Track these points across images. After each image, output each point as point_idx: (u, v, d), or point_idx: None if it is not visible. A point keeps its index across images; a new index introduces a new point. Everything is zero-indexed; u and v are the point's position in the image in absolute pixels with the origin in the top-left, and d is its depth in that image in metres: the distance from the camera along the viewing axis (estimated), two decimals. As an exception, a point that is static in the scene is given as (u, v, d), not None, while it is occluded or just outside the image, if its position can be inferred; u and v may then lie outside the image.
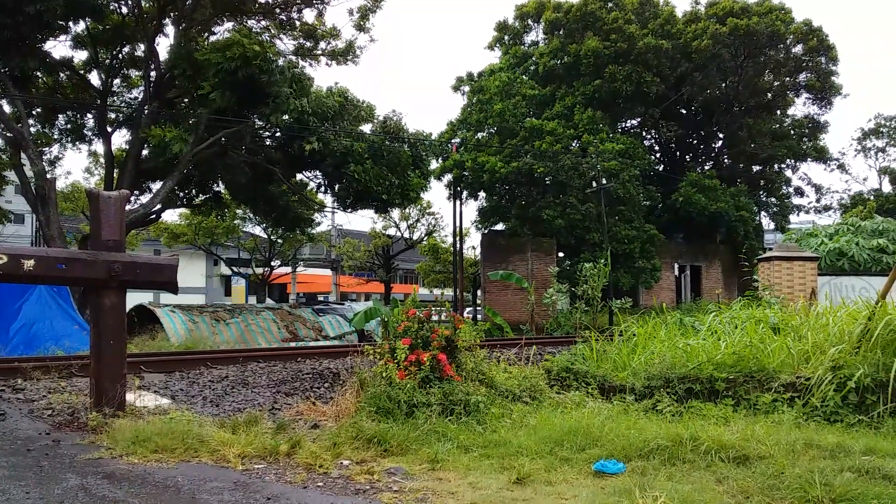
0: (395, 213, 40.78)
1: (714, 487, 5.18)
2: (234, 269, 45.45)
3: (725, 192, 32.01)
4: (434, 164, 29.60)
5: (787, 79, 34.58)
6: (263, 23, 23.02)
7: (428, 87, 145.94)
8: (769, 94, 35.21)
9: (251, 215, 35.96)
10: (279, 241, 41.38)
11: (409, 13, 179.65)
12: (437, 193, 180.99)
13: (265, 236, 41.67)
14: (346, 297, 51.43)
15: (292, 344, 19.02)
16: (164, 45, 26.41)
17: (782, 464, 5.45)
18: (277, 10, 22.55)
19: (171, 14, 21.48)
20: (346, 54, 23.39)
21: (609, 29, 30.31)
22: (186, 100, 22.43)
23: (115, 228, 7.43)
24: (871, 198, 39.95)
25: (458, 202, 31.16)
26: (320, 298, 48.80)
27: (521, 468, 5.53)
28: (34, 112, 22.61)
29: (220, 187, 25.83)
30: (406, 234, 44.13)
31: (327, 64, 23.84)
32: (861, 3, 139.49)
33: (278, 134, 23.13)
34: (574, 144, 30.01)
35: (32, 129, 21.65)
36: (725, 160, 37.18)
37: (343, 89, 23.86)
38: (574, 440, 6.30)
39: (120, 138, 32.31)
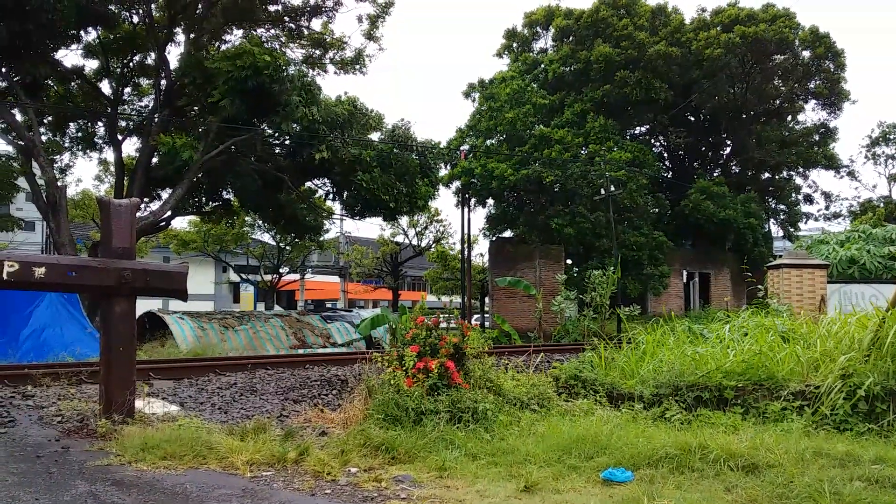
0: (404, 221, 40.86)
1: (723, 496, 5.16)
2: (243, 276, 45.58)
3: (734, 200, 31.90)
4: (443, 171, 29.68)
5: (796, 85, 34.45)
6: (272, 31, 23.18)
7: (435, 93, 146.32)
8: (777, 101, 35.10)
9: (260, 223, 36.12)
10: (288, 248, 41.50)
11: (417, 20, 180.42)
12: (445, 201, 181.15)
13: (274, 243, 41.79)
14: (354, 305, 51.51)
15: (300, 351, 19.04)
16: (174, 54, 26.64)
17: (791, 472, 5.42)
18: (286, 19, 22.70)
19: (182, 23, 21.66)
20: (354, 63, 23.53)
21: (620, 36, 30.33)
22: (196, 108, 22.59)
23: (125, 236, 7.44)
24: (881, 205, 39.68)
25: (466, 209, 31.17)
26: (328, 305, 48.89)
27: (529, 476, 5.52)
28: (45, 120, 22.80)
29: (230, 195, 25.95)
30: (414, 242, 44.17)
31: (336, 73, 23.99)
32: (866, 6, 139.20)
33: (287, 142, 23.24)
34: (583, 152, 29.99)
35: (43, 138, 21.85)
36: (734, 167, 37.05)
37: (352, 98, 24.00)
38: (582, 448, 6.28)
39: (130, 146, 32.49)
